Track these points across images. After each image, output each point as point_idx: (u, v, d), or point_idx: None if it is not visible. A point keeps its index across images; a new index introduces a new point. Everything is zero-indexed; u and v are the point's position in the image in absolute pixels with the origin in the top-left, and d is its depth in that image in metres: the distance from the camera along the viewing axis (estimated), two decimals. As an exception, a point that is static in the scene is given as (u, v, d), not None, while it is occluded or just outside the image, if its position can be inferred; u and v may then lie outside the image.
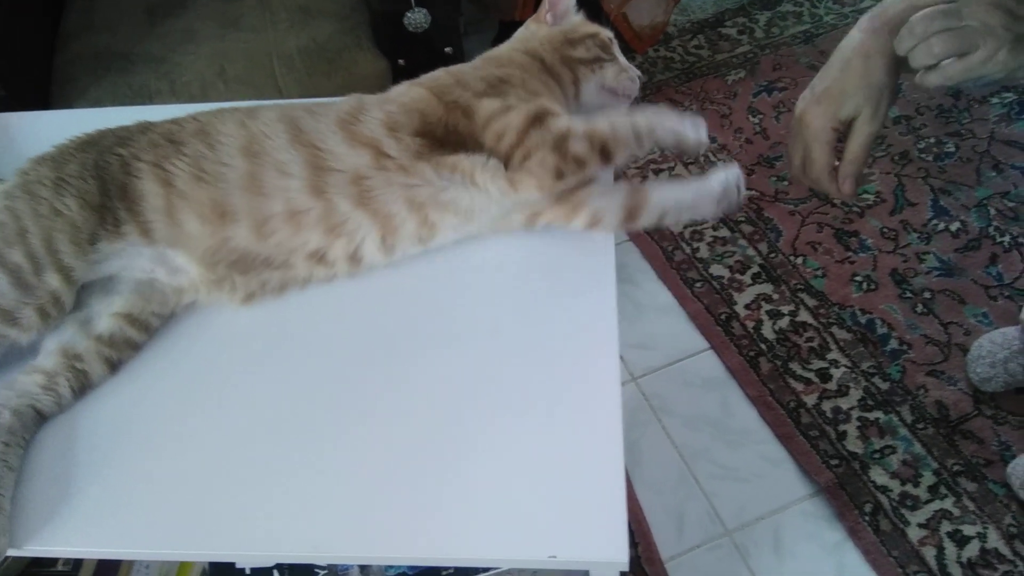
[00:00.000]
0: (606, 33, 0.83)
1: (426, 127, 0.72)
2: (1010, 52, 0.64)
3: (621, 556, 0.56)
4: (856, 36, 0.74)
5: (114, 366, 0.69)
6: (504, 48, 0.82)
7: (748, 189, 1.78)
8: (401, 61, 1.50)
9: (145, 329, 0.71)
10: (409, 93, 0.75)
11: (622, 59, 0.84)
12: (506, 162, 0.71)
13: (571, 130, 0.71)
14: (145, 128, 0.73)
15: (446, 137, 0.72)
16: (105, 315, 0.70)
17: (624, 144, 0.72)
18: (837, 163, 0.79)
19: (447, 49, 1.52)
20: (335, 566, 0.85)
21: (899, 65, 0.72)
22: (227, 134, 0.71)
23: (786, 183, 1.78)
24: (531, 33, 0.82)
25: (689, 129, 0.74)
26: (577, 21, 0.83)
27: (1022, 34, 0.64)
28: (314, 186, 0.69)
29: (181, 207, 0.69)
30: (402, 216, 0.71)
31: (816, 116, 0.75)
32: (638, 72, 0.84)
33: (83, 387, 0.68)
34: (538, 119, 0.71)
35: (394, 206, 0.70)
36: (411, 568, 0.83)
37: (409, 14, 1.45)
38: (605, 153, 0.71)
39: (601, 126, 0.72)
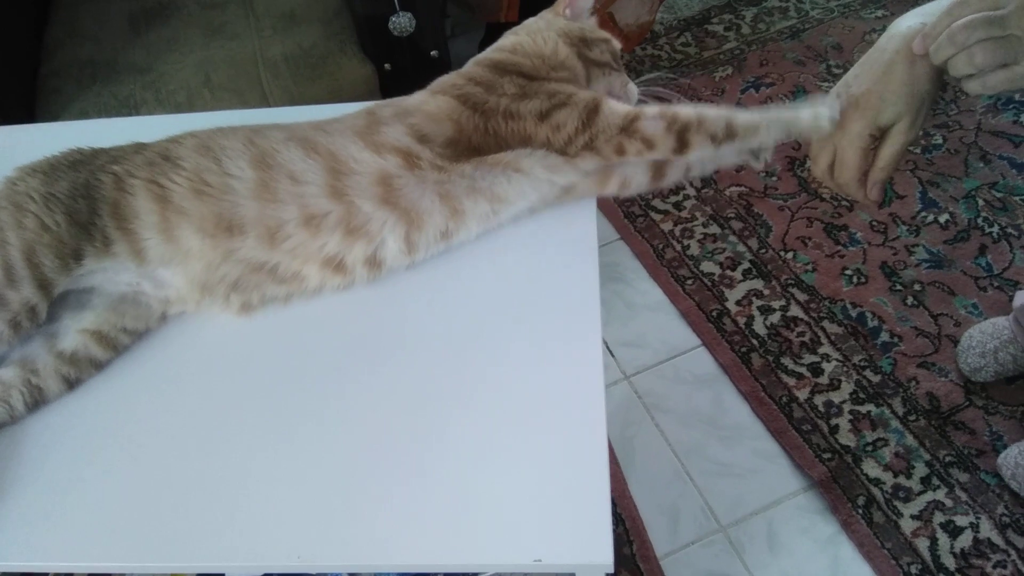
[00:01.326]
0: (616, 43, 0.83)
1: (460, 134, 0.71)
2: None
3: (606, 558, 0.56)
4: (899, 35, 0.69)
5: (72, 384, 0.69)
6: (521, 39, 0.80)
7: (737, 186, 1.79)
8: (387, 66, 1.50)
9: (113, 347, 0.70)
10: (433, 102, 0.73)
11: (624, 74, 0.84)
12: (564, 150, 0.72)
13: (641, 111, 0.71)
14: (139, 148, 0.73)
15: (483, 142, 0.72)
16: (72, 330, 0.69)
17: (709, 135, 0.70)
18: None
19: (433, 52, 1.52)
20: (324, 574, 0.85)
21: (943, 72, 0.68)
22: (233, 148, 0.70)
23: (775, 178, 1.78)
24: (547, 24, 0.81)
25: (803, 117, 0.72)
26: (591, 24, 0.83)
27: None
28: (333, 189, 0.68)
29: (179, 223, 0.68)
30: (431, 210, 0.70)
31: (853, 121, 0.71)
32: (637, 89, 0.84)
33: (37, 402, 0.68)
34: (596, 108, 0.72)
35: (423, 201, 0.70)
36: (400, 575, 0.83)
37: (394, 18, 1.45)
38: (682, 140, 0.70)
39: (684, 110, 0.70)
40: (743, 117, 0.71)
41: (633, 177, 0.77)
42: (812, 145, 0.77)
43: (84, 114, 1.33)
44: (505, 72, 0.76)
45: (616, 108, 0.72)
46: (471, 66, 0.79)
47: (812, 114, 0.72)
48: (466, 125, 0.72)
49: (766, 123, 0.71)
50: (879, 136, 0.73)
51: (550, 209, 0.78)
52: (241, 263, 0.69)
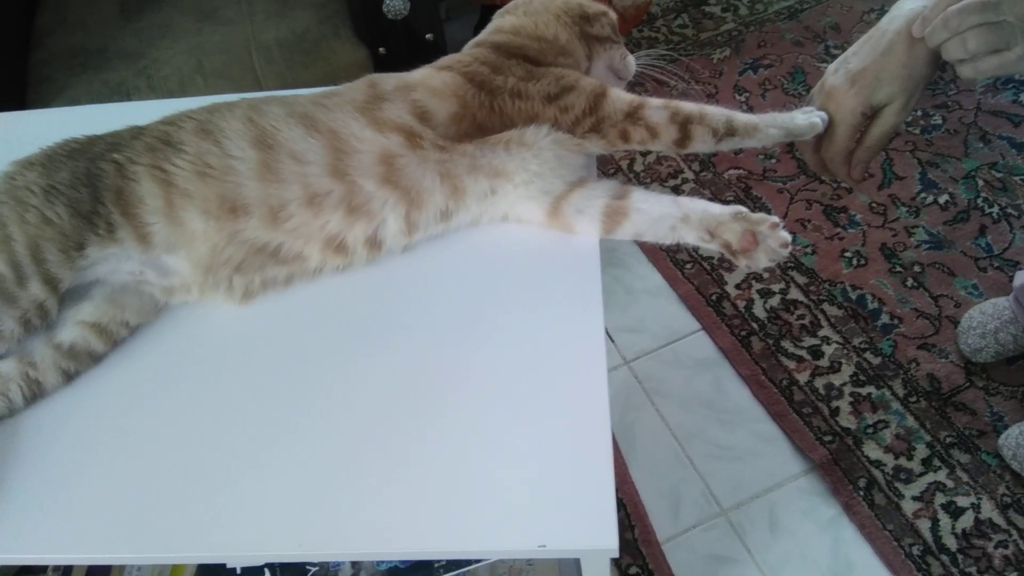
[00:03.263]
0: (612, 14, 0.82)
1: (465, 110, 0.71)
2: None
3: (611, 543, 0.55)
4: (901, 17, 0.70)
5: (70, 377, 0.68)
6: (521, 21, 0.80)
7: (736, 168, 1.77)
8: (382, 49, 1.48)
9: (111, 340, 0.69)
10: (438, 77, 0.73)
11: (623, 46, 0.83)
12: (571, 131, 0.72)
13: (645, 101, 0.72)
14: (137, 133, 0.71)
15: (488, 119, 0.71)
16: (71, 322, 0.69)
17: (711, 129, 0.70)
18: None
19: (428, 36, 1.51)
20: (326, 562, 0.85)
21: (940, 56, 0.69)
22: (233, 129, 0.69)
23: (774, 160, 1.77)
24: (543, 5, 0.80)
25: (798, 116, 0.74)
26: None
27: None
28: (335, 169, 0.68)
29: (183, 206, 0.67)
30: (432, 188, 0.70)
31: (848, 97, 0.72)
32: (635, 61, 0.84)
33: (35, 395, 0.67)
34: (602, 93, 0.72)
35: (424, 180, 0.69)
36: (403, 562, 0.83)
37: (388, 1, 1.43)
38: (685, 131, 0.71)
39: (687, 104, 0.72)
40: (743, 116, 0.72)
41: (588, 225, 0.73)
42: None
43: (75, 102, 1.31)
44: (511, 55, 0.75)
45: (622, 95, 0.73)
46: (473, 47, 0.78)
47: (807, 115, 0.74)
48: (471, 102, 0.71)
49: (764, 123, 0.72)
50: (870, 115, 0.73)
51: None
52: (245, 244, 0.68)
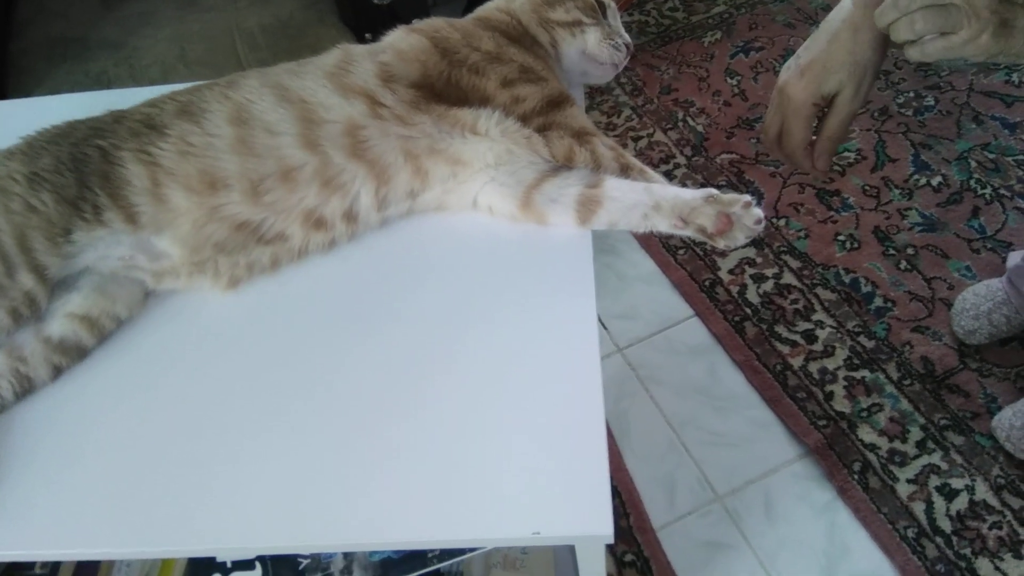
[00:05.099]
0: None
1: (425, 78, 0.71)
2: (993, 36, 0.62)
3: (606, 529, 0.54)
4: (847, 6, 0.71)
5: (59, 371, 0.67)
6: (492, 6, 0.81)
7: (728, 153, 1.76)
8: (368, 36, 1.46)
9: (99, 333, 0.68)
10: (407, 40, 0.73)
11: (614, 22, 0.81)
12: (521, 122, 0.72)
13: (600, 134, 0.73)
14: (119, 117, 0.71)
15: (445, 90, 0.71)
16: (60, 315, 0.67)
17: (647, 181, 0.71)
18: (813, 137, 0.78)
19: (414, 22, 1.49)
20: (318, 554, 0.84)
21: (887, 41, 0.70)
22: (212, 108, 0.69)
23: (766, 145, 1.76)
24: None
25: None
26: None
27: (1008, 19, 0.62)
28: (306, 140, 0.68)
29: (166, 183, 0.67)
30: (397, 166, 0.70)
31: (798, 90, 0.73)
32: (627, 39, 0.82)
33: (25, 391, 0.66)
34: (561, 102, 0.73)
35: (389, 156, 0.69)
36: (396, 552, 0.82)
37: (374, -14, 1.41)
38: (626, 174, 0.72)
39: (633, 159, 0.73)
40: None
41: (561, 216, 0.71)
42: (765, 115, 0.79)
43: (56, 92, 1.28)
44: (488, 27, 0.75)
45: (580, 115, 0.74)
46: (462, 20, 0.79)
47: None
48: (432, 70, 0.72)
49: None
50: (825, 106, 0.74)
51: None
52: (227, 220, 0.68)
